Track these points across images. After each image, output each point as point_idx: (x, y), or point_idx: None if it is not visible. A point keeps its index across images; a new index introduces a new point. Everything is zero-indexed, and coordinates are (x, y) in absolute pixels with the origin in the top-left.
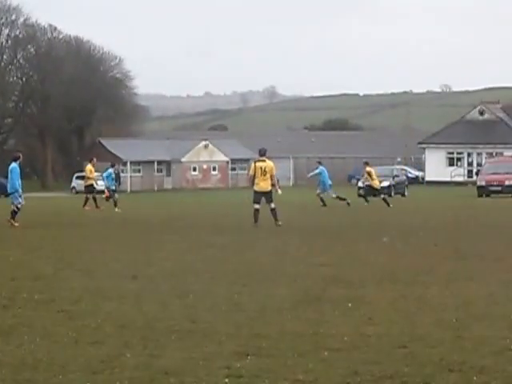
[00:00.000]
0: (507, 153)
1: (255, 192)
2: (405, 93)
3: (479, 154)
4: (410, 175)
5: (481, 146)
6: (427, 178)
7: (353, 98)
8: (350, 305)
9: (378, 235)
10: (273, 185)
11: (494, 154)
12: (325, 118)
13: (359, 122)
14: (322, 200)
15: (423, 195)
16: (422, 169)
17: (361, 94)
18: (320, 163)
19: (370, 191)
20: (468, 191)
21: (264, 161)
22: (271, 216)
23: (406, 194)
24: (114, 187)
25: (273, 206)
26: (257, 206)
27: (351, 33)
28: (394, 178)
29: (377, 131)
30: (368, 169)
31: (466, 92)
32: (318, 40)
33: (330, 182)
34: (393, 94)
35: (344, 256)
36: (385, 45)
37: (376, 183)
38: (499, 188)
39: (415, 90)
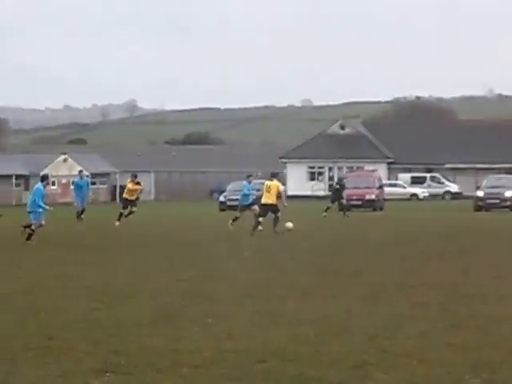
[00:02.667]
0: (368, 167)
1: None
2: (266, 107)
3: (340, 169)
4: None
5: (342, 160)
6: (289, 193)
7: (214, 112)
8: (209, 320)
9: (239, 250)
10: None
11: (355, 168)
12: (185, 132)
13: (220, 136)
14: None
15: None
16: (283, 183)
17: (222, 107)
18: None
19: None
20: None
21: (271, 180)
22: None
23: None
24: None
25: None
26: (260, 219)
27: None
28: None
29: (238, 145)
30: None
31: (327, 106)
32: (184, 54)
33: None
34: (254, 108)
35: (204, 271)
36: (235, 59)
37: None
38: (359, 202)
39: (276, 105)
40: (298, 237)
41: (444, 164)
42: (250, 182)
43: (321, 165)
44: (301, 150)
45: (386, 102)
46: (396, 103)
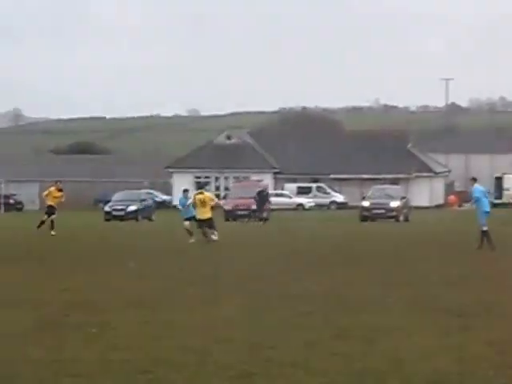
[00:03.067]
0: (254, 177)
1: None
2: (151, 116)
3: (227, 178)
4: (157, 199)
5: (228, 170)
6: (175, 202)
7: (99, 121)
8: (94, 330)
9: (123, 260)
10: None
11: (242, 178)
12: (71, 141)
13: (106, 145)
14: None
15: (171, 219)
16: (169, 193)
17: (107, 116)
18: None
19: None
20: (217, 214)
21: (202, 193)
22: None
23: (153, 218)
24: None
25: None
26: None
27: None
28: (141, 202)
29: (124, 154)
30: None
31: (214, 116)
32: (58, 62)
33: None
34: (140, 117)
35: (87, 281)
36: (121, 69)
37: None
38: (246, 212)
39: (162, 114)
40: (187, 246)
41: (329, 174)
42: (186, 197)
43: (207, 174)
44: (187, 159)
45: (273, 113)
46: (282, 114)
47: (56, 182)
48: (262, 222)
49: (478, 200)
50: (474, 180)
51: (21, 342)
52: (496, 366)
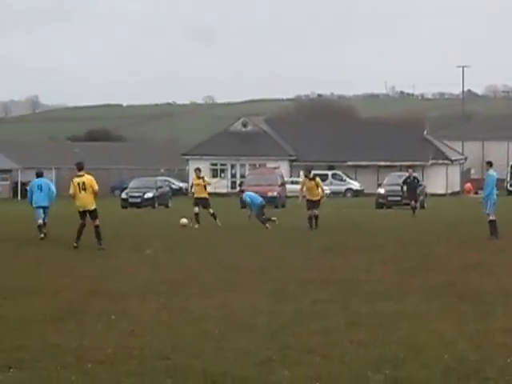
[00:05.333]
0: (270, 164)
1: (79, 212)
2: (168, 104)
3: (242, 166)
4: (173, 186)
5: (244, 157)
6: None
7: (116, 109)
8: (113, 317)
9: (142, 247)
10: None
11: (258, 165)
12: (88, 129)
13: (122, 133)
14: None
15: (187, 206)
16: (185, 180)
17: (124, 104)
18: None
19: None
20: (232, 203)
21: (82, 175)
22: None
23: (169, 205)
24: None
25: (97, 222)
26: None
27: (114, 41)
28: (157, 189)
29: (140, 142)
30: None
31: (230, 104)
32: (75, 50)
33: None
34: (156, 105)
35: (106, 269)
36: (135, 56)
37: None
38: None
39: (178, 102)
40: (203, 234)
41: (345, 161)
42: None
43: (223, 162)
44: (203, 147)
45: (288, 100)
46: (298, 101)
47: (197, 170)
48: (415, 212)
49: (490, 188)
50: (490, 164)
51: (42, 328)
52: None
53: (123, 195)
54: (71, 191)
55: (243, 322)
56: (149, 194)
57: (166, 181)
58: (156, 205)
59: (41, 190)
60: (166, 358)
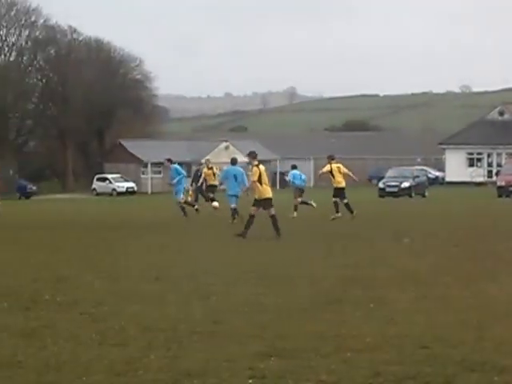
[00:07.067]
0: None
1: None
2: (424, 93)
3: (499, 155)
4: (430, 176)
5: (501, 146)
6: (447, 179)
7: (372, 99)
8: (371, 305)
9: (399, 236)
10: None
11: None
12: (344, 119)
13: (379, 123)
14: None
15: (443, 196)
16: (442, 169)
17: (381, 94)
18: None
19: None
20: (488, 192)
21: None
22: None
23: (426, 194)
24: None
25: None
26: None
27: (371, 33)
28: (414, 178)
29: (397, 132)
30: (333, 165)
31: (486, 92)
32: (338, 40)
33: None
34: (412, 94)
35: (364, 257)
36: (403, 45)
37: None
38: None
39: (435, 91)
40: (458, 222)
41: None
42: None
43: (479, 151)
44: (460, 136)
45: None
46: None
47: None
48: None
49: None
50: None
51: (301, 318)
52: None
53: (380, 185)
54: (255, 178)
55: (502, 311)
56: (405, 184)
57: (422, 170)
58: (413, 194)
59: (235, 179)
60: (425, 346)
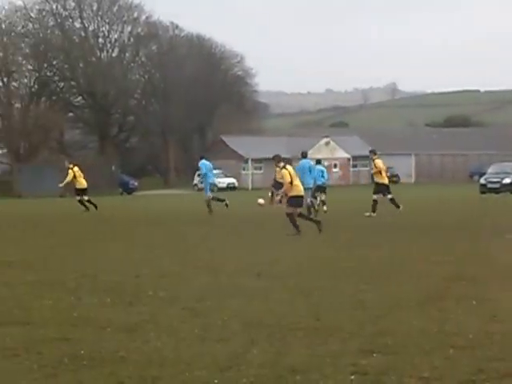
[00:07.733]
0: None
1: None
2: None
3: None
4: None
5: None
6: None
7: (474, 95)
8: (474, 302)
9: (502, 232)
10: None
11: None
12: (445, 115)
13: (480, 119)
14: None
15: None
16: None
17: (482, 90)
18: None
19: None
20: None
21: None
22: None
23: None
24: None
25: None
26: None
27: (471, 28)
28: None
29: (499, 128)
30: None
31: None
32: (438, 36)
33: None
34: None
35: (465, 254)
36: (504, 40)
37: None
38: None
39: None
40: None
41: None
42: None
43: None
44: None
45: None
46: None
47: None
48: None
49: None
50: None
51: (403, 313)
52: None
53: (482, 181)
54: (288, 179)
55: None
56: (507, 180)
57: None
58: None
59: (310, 172)
60: None
